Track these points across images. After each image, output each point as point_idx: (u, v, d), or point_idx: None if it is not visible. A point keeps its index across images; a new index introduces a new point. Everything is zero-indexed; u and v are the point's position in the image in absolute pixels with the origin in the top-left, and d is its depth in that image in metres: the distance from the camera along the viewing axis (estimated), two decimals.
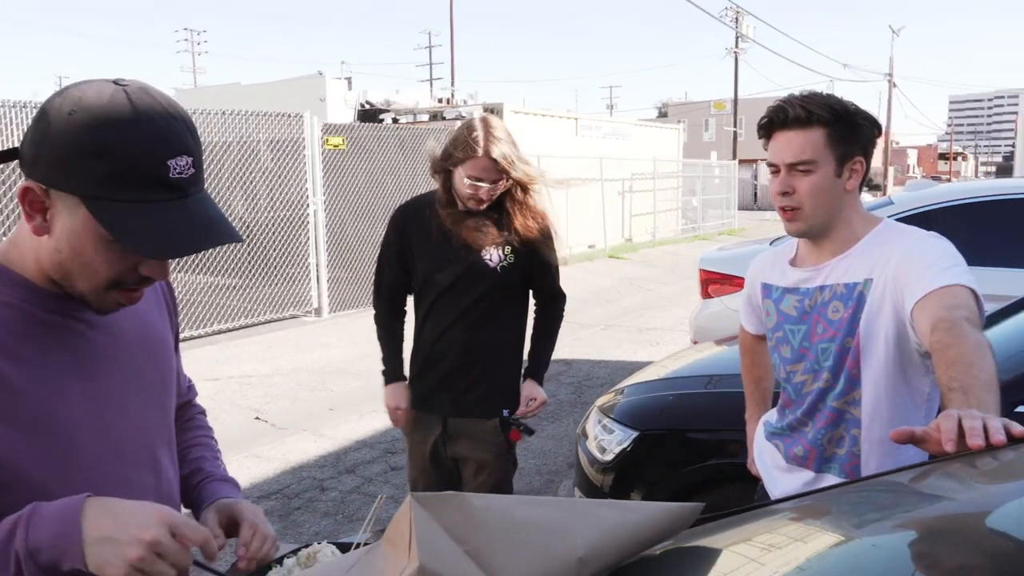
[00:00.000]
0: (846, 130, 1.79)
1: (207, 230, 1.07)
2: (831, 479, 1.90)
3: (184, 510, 1.38)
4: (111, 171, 1.01)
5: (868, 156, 1.84)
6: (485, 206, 2.51)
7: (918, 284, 1.64)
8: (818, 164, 1.78)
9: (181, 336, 1.46)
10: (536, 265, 2.62)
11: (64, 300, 1.14)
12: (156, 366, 1.30)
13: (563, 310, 2.79)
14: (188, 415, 1.54)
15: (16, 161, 1.10)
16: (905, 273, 1.69)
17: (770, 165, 1.85)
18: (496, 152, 2.42)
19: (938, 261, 1.67)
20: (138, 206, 1.03)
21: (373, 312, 2.79)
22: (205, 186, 1.13)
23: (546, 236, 2.62)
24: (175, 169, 1.04)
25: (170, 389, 1.35)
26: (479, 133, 2.45)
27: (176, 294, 1.46)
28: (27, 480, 1.09)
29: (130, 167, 1.01)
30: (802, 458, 1.96)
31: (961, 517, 1.14)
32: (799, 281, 1.92)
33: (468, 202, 2.50)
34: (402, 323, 2.77)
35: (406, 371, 2.72)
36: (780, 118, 1.80)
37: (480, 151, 2.42)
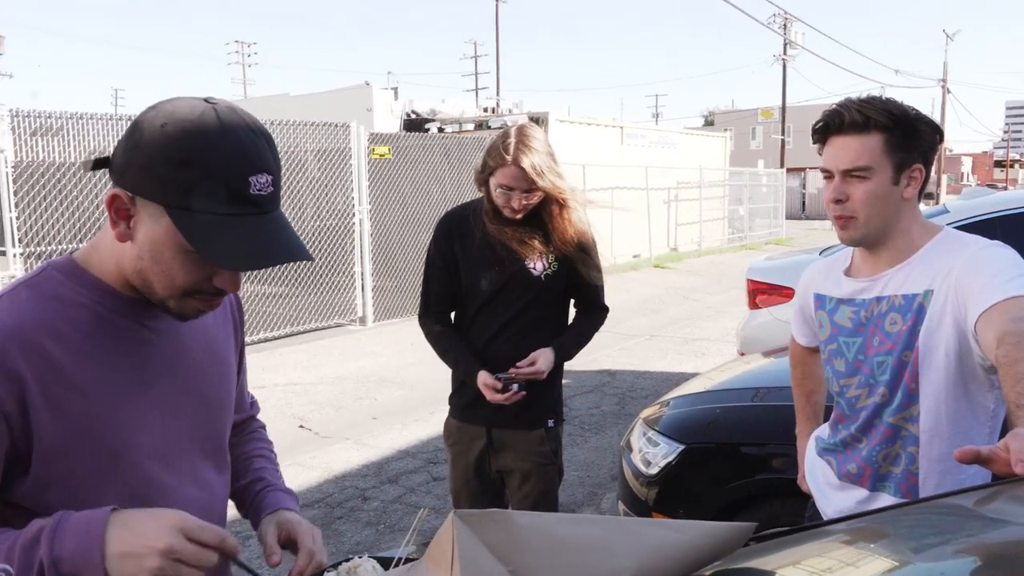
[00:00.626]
0: (905, 136, 1.71)
1: (280, 246, 1.12)
2: (886, 499, 1.82)
3: (227, 524, 1.38)
4: (195, 182, 1.06)
5: (928, 164, 1.76)
6: (521, 215, 2.49)
7: (982, 295, 1.56)
8: (874, 171, 1.71)
9: None
10: (578, 277, 2.59)
11: (137, 306, 1.19)
12: (214, 381, 1.33)
13: (603, 320, 2.73)
14: (250, 428, 1.58)
15: (106, 169, 1.16)
16: (968, 284, 1.62)
17: (824, 171, 1.78)
18: (526, 161, 2.39)
19: (1004, 271, 1.58)
20: (218, 218, 1.07)
21: (421, 325, 2.73)
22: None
23: (586, 250, 2.58)
24: (255, 185, 1.09)
25: (225, 405, 1.37)
26: (512, 141, 2.44)
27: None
28: (73, 478, 1.12)
29: (214, 180, 1.06)
30: (856, 475, 1.89)
31: None
32: (854, 292, 1.85)
33: (504, 211, 2.49)
34: (459, 334, 2.71)
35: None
36: (836, 122, 1.73)
37: (510, 159, 2.40)
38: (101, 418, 1.14)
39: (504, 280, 2.53)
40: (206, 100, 1.12)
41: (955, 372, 1.70)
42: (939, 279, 1.69)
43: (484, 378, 2.52)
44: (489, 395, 2.50)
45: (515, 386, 2.51)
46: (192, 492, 1.28)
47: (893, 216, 1.75)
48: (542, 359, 2.50)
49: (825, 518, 2.03)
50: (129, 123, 1.15)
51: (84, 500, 1.11)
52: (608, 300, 2.73)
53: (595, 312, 2.70)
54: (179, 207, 1.07)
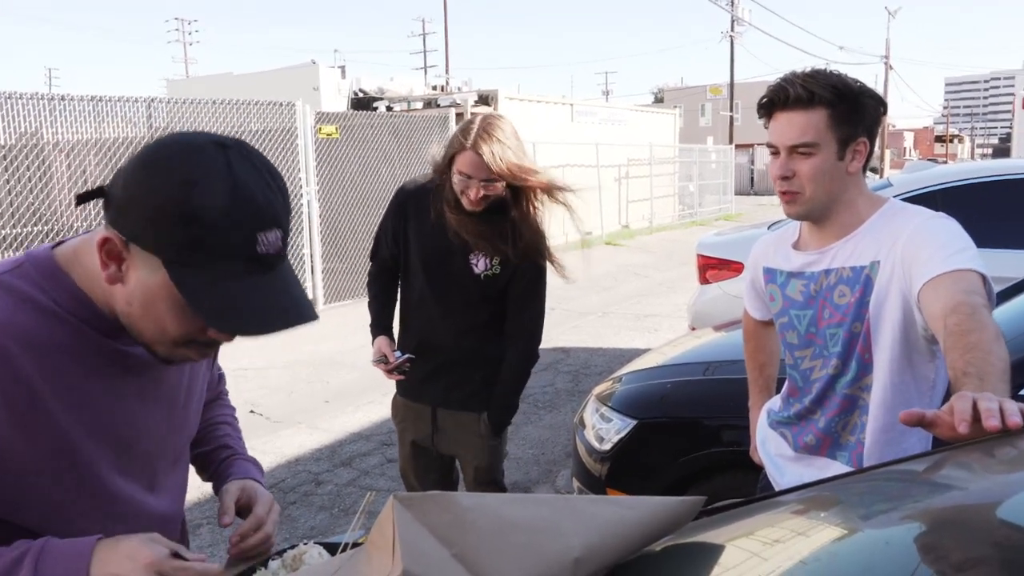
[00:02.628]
0: (850, 111, 1.71)
1: (283, 310, 1.05)
2: (838, 467, 1.84)
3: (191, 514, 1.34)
4: (199, 239, 0.98)
5: (873, 137, 1.76)
6: (479, 208, 2.39)
7: (927, 266, 1.57)
8: (820, 147, 1.71)
9: None
10: (519, 288, 2.49)
11: (115, 324, 1.11)
12: (188, 403, 1.30)
13: (528, 356, 2.57)
14: (217, 397, 1.56)
15: (96, 200, 1.07)
16: (914, 255, 1.62)
17: (770, 146, 1.78)
18: (485, 148, 2.30)
19: (950, 243, 1.59)
20: (220, 277, 1.00)
21: (368, 281, 2.74)
22: None
23: (536, 263, 2.48)
24: (263, 244, 1.01)
25: (193, 421, 1.34)
26: (474, 127, 2.36)
27: None
28: (34, 489, 1.08)
29: (219, 239, 0.99)
30: (814, 446, 1.90)
31: (972, 508, 1.10)
32: (804, 265, 1.85)
33: (462, 200, 2.40)
34: (394, 299, 2.72)
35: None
36: (781, 98, 1.72)
37: (468, 144, 2.33)
38: (66, 434, 1.08)
39: (446, 268, 2.49)
40: (220, 144, 1.02)
41: (900, 343, 1.71)
42: (885, 250, 1.70)
43: (381, 343, 2.57)
44: (375, 358, 2.60)
45: (405, 363, 2.54)
46: (151, 502, 1.25)
47: (839, 190, 1.75)
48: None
49: (778, 489, 2.05)
50: (133, 158, 1.04)
51: (48, 512, 1.10)
52: (560, 278, 2.66)
53: (520, 340, 2.54)
54: (178, 262, 1.00)
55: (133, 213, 1.00)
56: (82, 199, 1.09)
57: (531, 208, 2.44)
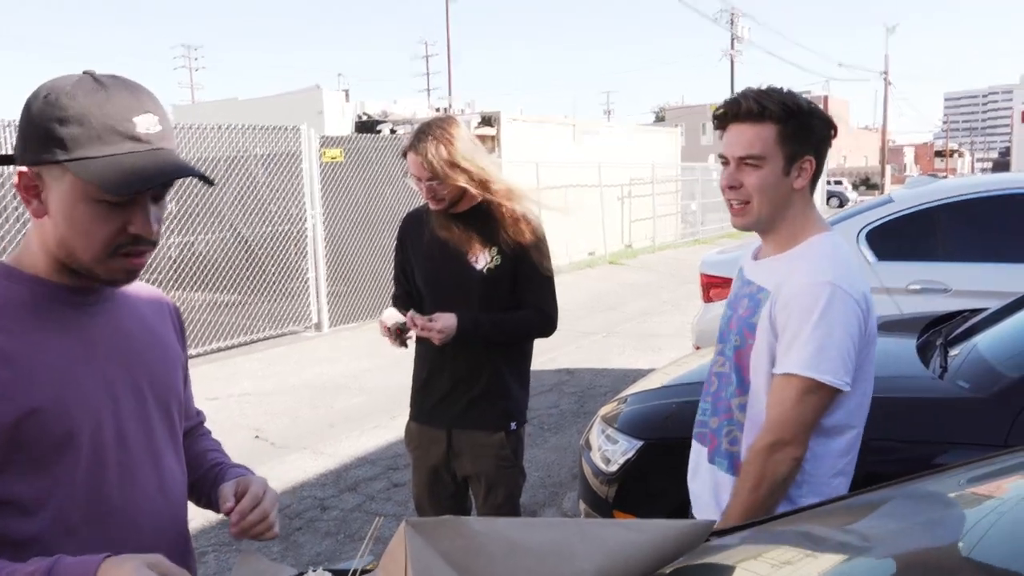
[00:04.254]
0: (798, 128, 1.77)
1: (175, 166, 1.18)
2: (721, 474, 1.90)
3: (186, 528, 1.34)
4: (85, 132, 1.13)
5: (820, 156, 1.83)
6: (443, 207, 2.46)
7: (784, 354, 1.74)
8: (767, 160, 1.77)
9: None
10: (522, 271, 2.52)
11: (72, 292, 1.23)
12: (157, 360, 1.36)
13: (542, 324, 2.57)
14: (199, 432, 1.61)
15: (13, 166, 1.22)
16: (787, 326, 1.74)
17: (721, 157, 1.86)
18: (421, 148, 2.39)
19: (808, 337, 1.70)
20: (112, 158, 1.14)
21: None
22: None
23: (528, 248, 2.50)
24: (142, 124, 1.16)
25: (172, 386, 1.39)
26: (416, 131, 2.46)
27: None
28: (28, 464, 1.14)
29: (101, 126, 1.13)
30: (704, 441, 1.99)
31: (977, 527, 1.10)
32: (746, 271, 1.96)
33: (429, 203, 2.48)
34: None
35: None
36: (734, 110, 1.80)
37: (409, 146, 2.43)
38: (49, 402, 1.15)
39: (450, 278, 2.51)
40: (84, 72, 1.19)
41: (765, 371, 1.80)
42: (774, 286, 1.80)
43: (388, 312, 2.53)
44: (382, 326, 2.53)
45: (409, 333, 2.49)
46: (149, 472, 1.29)
47: (782, 205, 1.82)
48: (441, 321, 2.41)
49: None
50: None
51: (41, 486, 1.15)
52: (564, 297, 2.67)
53: (536, 314, 2.56)
54: (75, 159, 1.13)
55: (28, 142, 1.16)
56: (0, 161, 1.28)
57: (501, 198, 2.48)
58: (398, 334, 2.51)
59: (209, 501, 1.48)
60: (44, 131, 1.13)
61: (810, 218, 1.86)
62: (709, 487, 1.94)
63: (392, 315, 2.51)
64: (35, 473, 1.15)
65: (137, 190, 1.16)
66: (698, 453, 2.03)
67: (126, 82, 1.19)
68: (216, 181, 8.88)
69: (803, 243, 1.83)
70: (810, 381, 1.70)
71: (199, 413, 1.63)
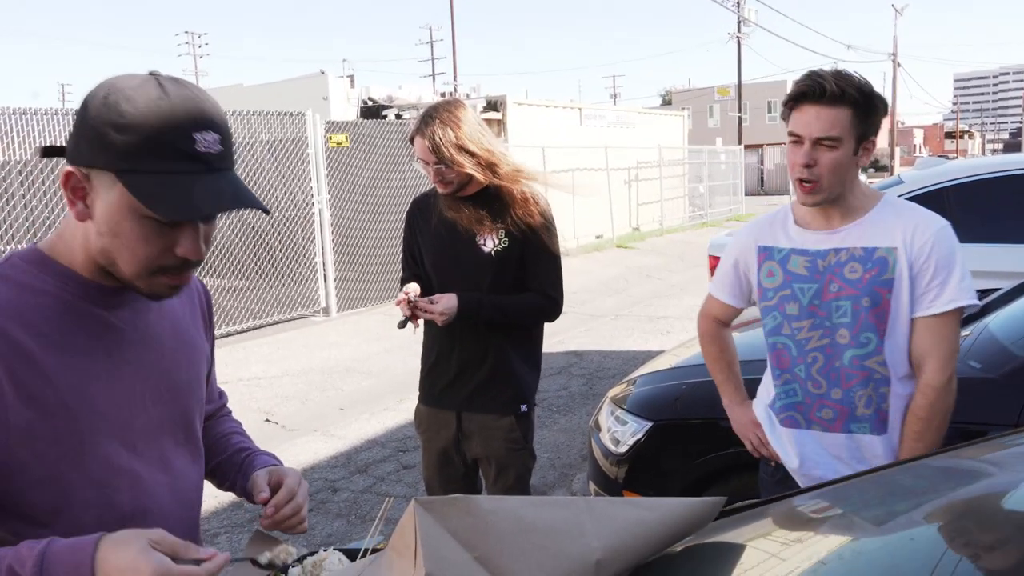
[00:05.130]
0: (869, 112, 1.88)
1: (230, 196, 1.11)
2: (864, 439, 1.99)
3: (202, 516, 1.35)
4: (141, 144, 1.06)
5: (876, 137, 1.96)
6: (451, 190, 2.46)
7: (935, 293, 1.89)
8: (842, 141, 1.86)
9: None
10: (529, 253, 2.51)
11: (103, 292, 1.18)
12: (182, 366, 1.33)
13: (546, 308, 2.55)
14: (221, 413, 1.60)
15: (57, 158, 1.18)
16: (932, 267, 1.89)
17: (793, 135, 1.91)
18: (427, 133, 2.39)
19: (955, 269, 1.89)
20: (166, 176, 1.07)
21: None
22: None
23: (536, 229, 2.49)
24: (202, 143, 1.09)
25: (195, 390, 1.36)
26: (422, 115, 2.45)
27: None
28: (40, 464, 1.12)
29: (159, 139, 1.06)
30: (830, 420, 2.02)
31: (993, 497, 1.09)
32: (811, 242, 2.00)
33: (438, 188, 2.48)
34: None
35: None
36: (815, 91, 1.85)
37: (417, 130, 2.43)
38: (68, 404, 1.13)
39: (458, 260, 2.50)
40: (150, 73, 1.12)
41: (908, 319, 1.93)
42: (899, 238, 1.91)
43: (408, 287, 2.51)
44: (402, 297, 2.46)
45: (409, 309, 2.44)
46: (160, 478, 1.26)
47: (849, 181, 1.94)
48: (442, 303, 2.41)
49: (798, 476, 2.12)
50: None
51: (50, 487, 1.12)
52: (572, 281, 2.66)
53: (541, 297, 2.54)
54: (128, 170, 1.07)
55: (81, 142, 1.09)
56: (47, 152, 1.20)
57: (509, 174, 2.48)
58: (408, 306, 2.45)
59: (233, 485, 1.47)
60: (99, 134, 1.07)
61: (864, 187, 2.02)
62: (846, 455, 2.02)
63: (415, 289, 2.50)
64: (48, 481, 1.12)
65: (188, 218, 1.11)
66: (804, 435, 2.07)
67: (191, 91, 1.11)
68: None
69: (879, 203, 1.97)
70: (960, 309, 1.90)
71: (221, 395, 1.61)
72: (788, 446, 2.12)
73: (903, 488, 1.26)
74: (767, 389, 2.20)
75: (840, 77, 1.86)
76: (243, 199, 1.12)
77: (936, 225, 1.92)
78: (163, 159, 1.07)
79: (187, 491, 1.33)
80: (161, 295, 1.19)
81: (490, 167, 2.44)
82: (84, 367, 1.15)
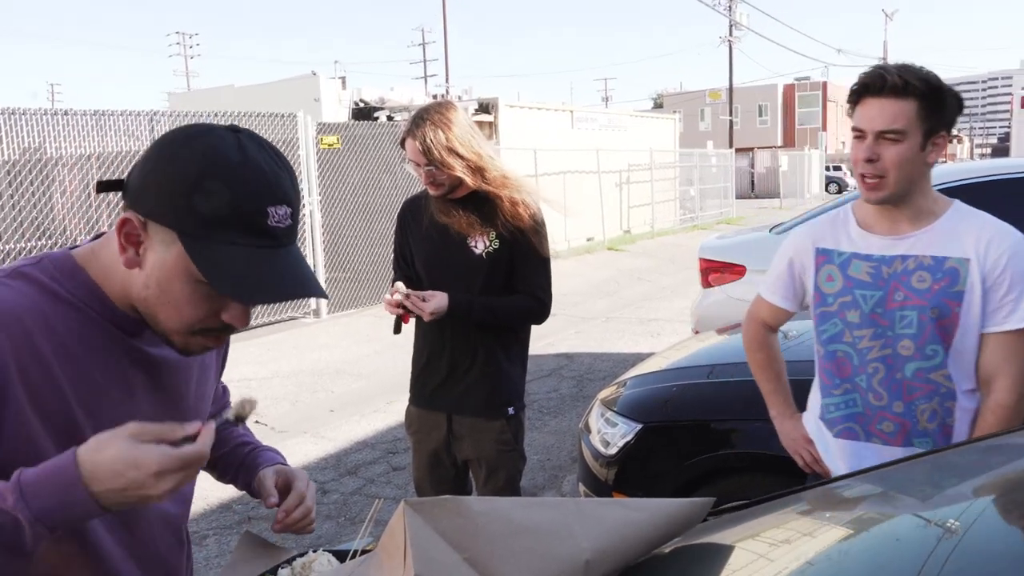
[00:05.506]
0: (937, 105, 1.80)
1: (293, 281, 1.07)
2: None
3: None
4: (212, 211, 1.01)
5: (950, 132, 1.86)
6: (441, 192, 2.46)
7: (1012, 311, 1.81)
8: (907, 135, 1.79)
9: None
10: (519, 255, 2.50)
11: (130, 321, 1.14)
12: (195, 388, 1.31)
13: (533, 310, 2.55)
14: (221, 404, 1.57)
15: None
16: (1005, 284, 1.81)
17: (856, 130, 1.85)
18: (418, 134, 2.39)
19: None
20: (232, 249, 1.03)
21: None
22: None
23: (525, 232, 2.49)
24: (274, 217, 1.04)
25: (203, 410, 1.35)
26: (413, 116, 2.45)
27: None
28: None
29: (231, 209, 1.02)
30: (891, 433, 1.93)
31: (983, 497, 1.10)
32: (875, 247, 1.92)
33: (428, 189, 2.48)
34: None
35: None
36: (877, 84, 1.81)
37: (408, 132, 2.43)
38: (77, 420, 1.10)
39: (448, 261, 2.51)
40: (231, 128, 1.08)
41: (977, 333, 1.85)
42: (972, 249, 1.84)
43: (397, 285, 2.49)
44: (393, 298, 2.44)
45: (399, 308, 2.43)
46: (165, 503, 1.23)
47: (916, 179, 1.85)
48: (434, 302, 2.39)
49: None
50: (150, 143, 1.10)
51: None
52: (563, 284, 2.66)
53: (529, 298, 2.53)
54: (192, 234, 1.02)
55: (150, 191, 1.04)
56: (103, 187, 1.12)
57: (497, 179, 2.48)
58: (399, 306, 2.45)
59: (235, 479, 1.47)
60: (169, 189, 1.02)
61: (931, 189, 1.91)
62: None
63: (403, 288, 2.50)
64: None
65: (248, 301, 1.08)
66: (862, 448, 1.97)
67: (267, 152, 1.07)
68: None
69: (950, 209, 1.89)
70: None
71: (225, 390, 1.60)
72: (840, 460, 2.02)
73: (896, 487, 1.27)
74: (817, 400, 2.09)
75: (904, 69, 1.80)
76: (305, 286, 1.08)
77: (1012, 238, 1.84)
78: (231, 230, 1.02)
79: (176, 513, 1.32)
80: (194, 353, 1.16)
81: (479, 171, 2.44)
82: (99, 386, 1.13)
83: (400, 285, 2.48)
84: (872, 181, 1.83)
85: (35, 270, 1.11)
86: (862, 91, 1.84)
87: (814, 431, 2.11)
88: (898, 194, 1.84)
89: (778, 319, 2.19)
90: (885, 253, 1.90)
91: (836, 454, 2.03)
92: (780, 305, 2.15)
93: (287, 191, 1.06)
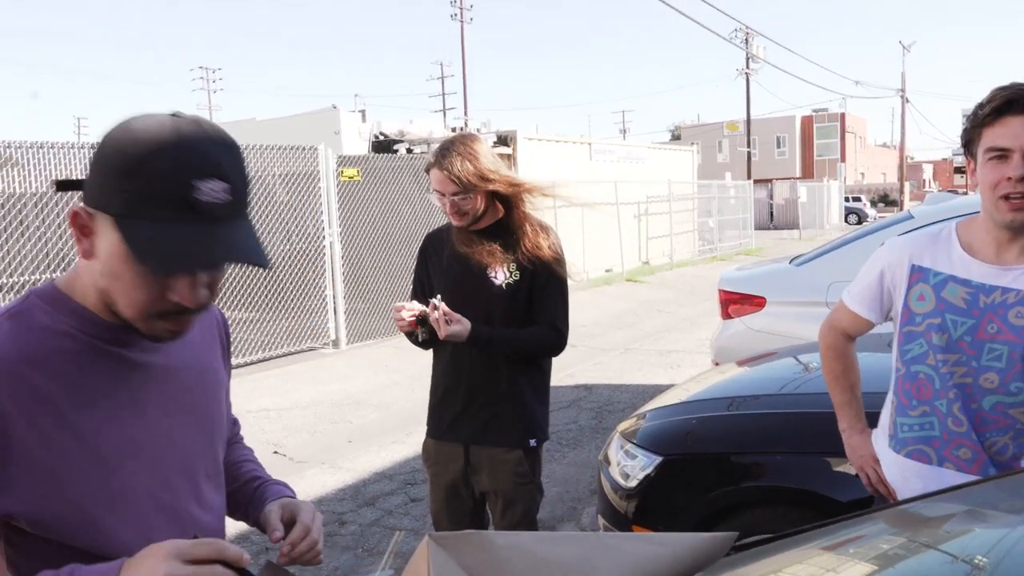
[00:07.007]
0: None
1: (226, 250, 1.06)
2: None
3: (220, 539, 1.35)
4: (141, 190, 1.03)
5: None
6: (465, 223, 2.49)
7: None
8: None
9: None
10: (538, 286, 2.53)
11: (121, 331, 1.16)
12: (208, 402, 1.32)
13: (553, 341, 2.56)
14: (233, 440, 1.60)
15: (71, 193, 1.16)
16: None
17: (994, 150, 1.75)
18: (445, 163, 2.42)
19: None
20: (160, 225, 1.03)
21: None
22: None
23: (546, 262, 2.52)
24: (205, 192, 1.03)
25: (218, 422, 1.36)
26: (439, 148, 2.49)
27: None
28: (69, 508, 1.10)
29: (158, 186, 1.03)
30: (968, 461, 1.85)
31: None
32: (975, 274, 1.83)
33: (451, 219, 2.51)
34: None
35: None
36: (1022, 102, 1.71)
37: (434, 162, 2.46)
38: (91, 447, 1.11)
39: (469, 292, 2.52)
40: (172, 114, 1.09)
41: None
42: None
43: (409, 303, 2.50)
44: (400, 314, 2.45)
45: (419, 324, 2.42)
46: (198, 513, 1.27)
47: None
48: (456, 326, 2.39)
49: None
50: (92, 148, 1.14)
51: (89, 531, 1.12)
52: (581, 315, 2.69)
53: (548, 329, 2.55)
54: (123, 215, 1.05)
55: (90, 180, 1.08)
56: (62, 186, 1.17)
57: (523, 208, 2.52)
58: (415, 325, 2.45)
59: (246, 515, 1.47)
60: (105, 176, 1.05)
61: None
62: None
63: (414, 304, 2.49)
64: (86, 526, 1.12)
65: (170, 273, 1.08)
66: (933, 472, 1.90)
67: (205, 132, 1.07)
68: None
69: None
70: None
71: (235, 423, 1.61)
72: (905, 483, 1.95)
73: (916, 524, 1.25)
74: (889, 420, 2.02)
75: None
76: (238, 253, 1.07)
77: None
78: (160, 207, 1.03)
79: (216, 521, 1.34)
80: (161, 339, 1.17)
81: (513, 185, 2.50)
82: (106, 407, 1.14)
83: (438, 298, 2.46)
84: (1019, 201, 1.71)
85: (21, 309, 1.14)
86: (1005, 108, 1.73)
87: (882, 452, 2.04)
88: None
89: (859, 329, 2.11)
90: (986, 281, 1.81)
91: (901, 476, 1.96)
92: (864, 315, 2.07)
93: (221, 167, 1.06)
